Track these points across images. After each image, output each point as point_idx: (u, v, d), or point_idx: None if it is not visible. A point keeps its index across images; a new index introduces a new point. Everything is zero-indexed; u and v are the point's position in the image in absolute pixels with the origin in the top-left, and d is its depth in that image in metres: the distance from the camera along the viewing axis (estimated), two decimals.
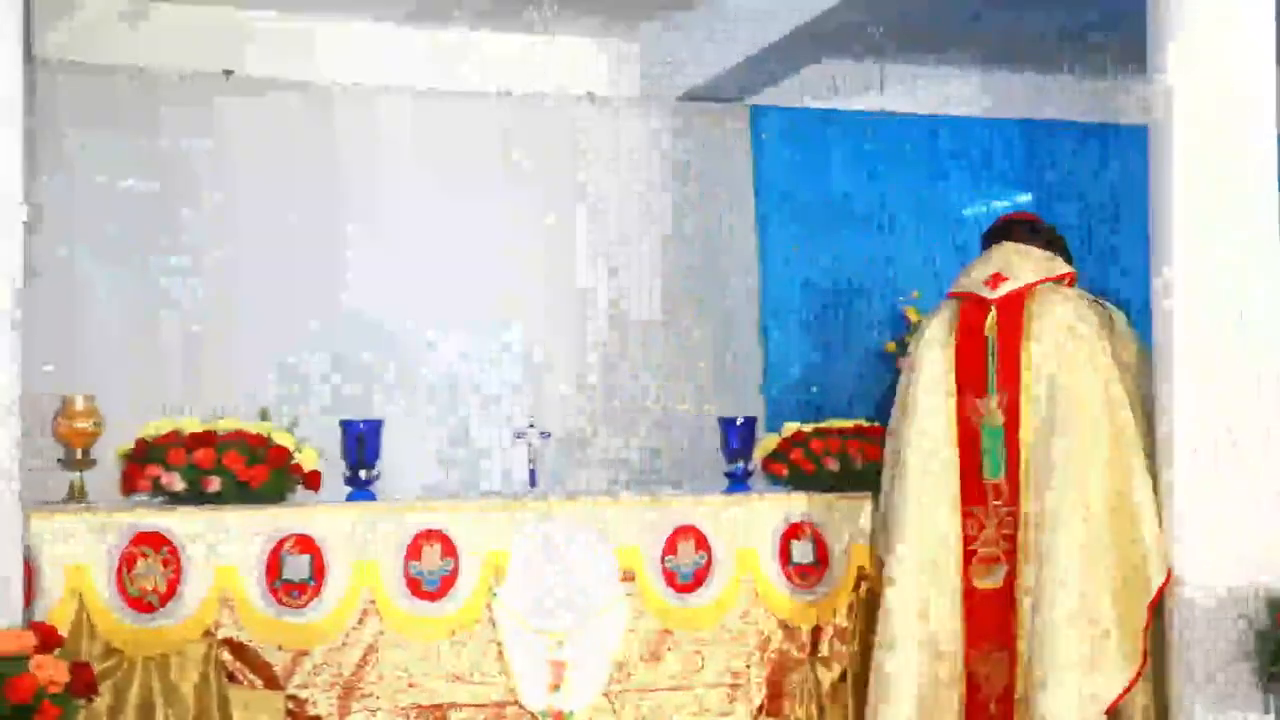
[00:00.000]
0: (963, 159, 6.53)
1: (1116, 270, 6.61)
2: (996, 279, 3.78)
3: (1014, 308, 3.70)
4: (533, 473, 4.37)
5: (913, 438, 3.70)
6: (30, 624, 3.02)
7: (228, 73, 5.56)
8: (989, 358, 3.66)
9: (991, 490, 3.65)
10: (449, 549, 3.63)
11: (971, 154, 6.55)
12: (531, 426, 4.35)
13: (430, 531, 3.62)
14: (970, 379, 3.70)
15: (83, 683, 2.96)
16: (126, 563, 3.39)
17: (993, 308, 3.73)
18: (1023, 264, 3.78)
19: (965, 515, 3.66)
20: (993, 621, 3.60)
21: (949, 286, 4.10)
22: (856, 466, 4.07)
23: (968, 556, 3.65)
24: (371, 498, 3.74)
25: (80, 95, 5.38)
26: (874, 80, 6.22)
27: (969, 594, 3.62)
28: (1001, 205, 6.59)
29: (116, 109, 5.46)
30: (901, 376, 3.93)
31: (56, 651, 2.94)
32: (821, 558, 3.95)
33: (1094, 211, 6.65)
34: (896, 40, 5.74)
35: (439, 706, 3.59)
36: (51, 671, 2.86)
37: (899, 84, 6.31)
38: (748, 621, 3.86)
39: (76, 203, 5.39)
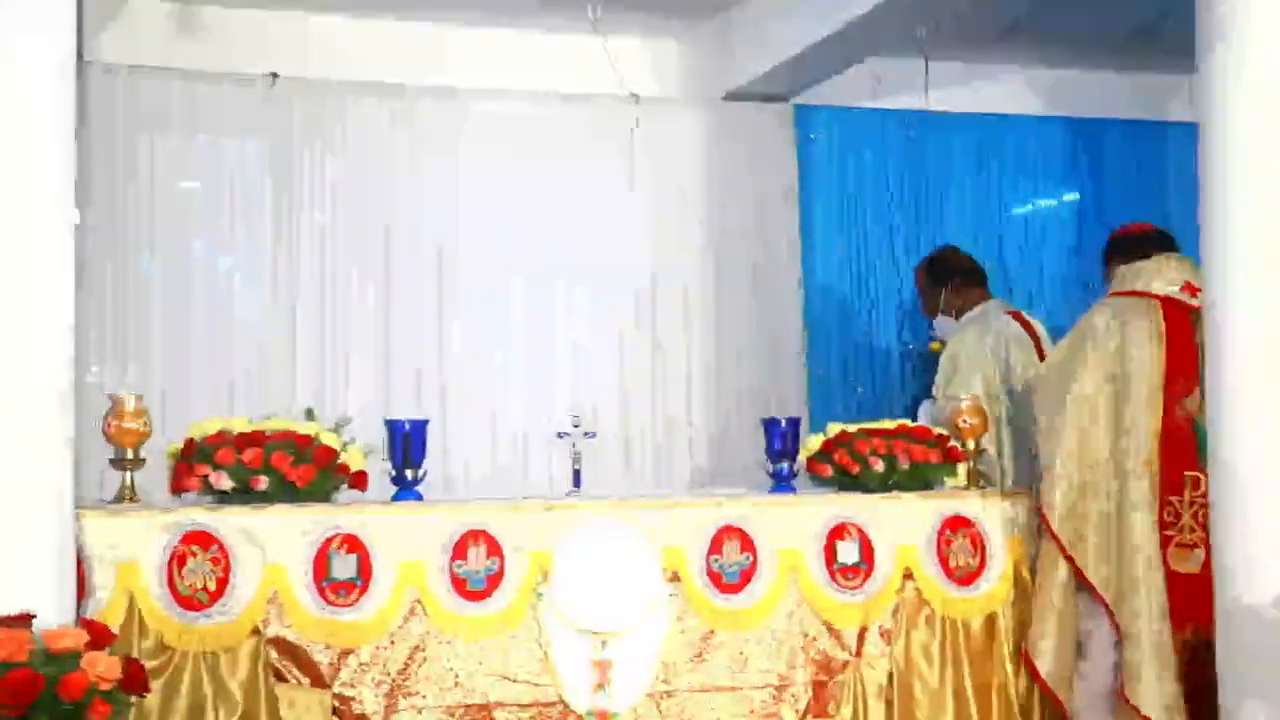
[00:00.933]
0: (1010, 157, 6.50)
1: None
2: (1191, 288, 4.03)
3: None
4: (577, 473, 4.38)
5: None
6: (82, 621, 3.06)
7: (273, 75, 5.61)
8: (1201, 362, 3.81)
9: (1190, 482, 3.92)
10: (494, 549, 3.63)
11: (1019, 152, 6.52)
12: (576, 427, 4.36)
13: (475, 531, 3.62)
14: (1178, 378, 4.00)
15: (134, 680, 3.00)
16: (177, 561, 3.42)
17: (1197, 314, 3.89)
18: (1197, 277, 3.92)
19: (1163, 505, 3.96)
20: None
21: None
22: (902, 467, 4.04)
23: (1165, 542, 3.94)
24: (418, 497, 3.76)
25: (132, 98, 5.45)
26: (919, 79, 6.18)
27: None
28: (1049, 204, 6.55)
29: (168, 111, 5.52)
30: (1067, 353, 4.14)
31: (108, 649, 2.97)
32: (867, 558, 3.92)
33: (1143, 210, 6.58)
34: (942, 39, 5.71)
35: (484, 706, 3.59)
36: (103, 668, 2.89)
37: (945, 83, 6.28)
38: (793, 622, 3.85)
39: (128, 205, 5.46)
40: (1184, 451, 3.97)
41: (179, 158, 5.60)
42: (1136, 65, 6.39)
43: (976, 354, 4.80)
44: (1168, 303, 4.09)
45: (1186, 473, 3.96)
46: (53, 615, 2.97)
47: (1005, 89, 6.47)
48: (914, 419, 4.50)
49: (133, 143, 5.49)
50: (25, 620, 2.88)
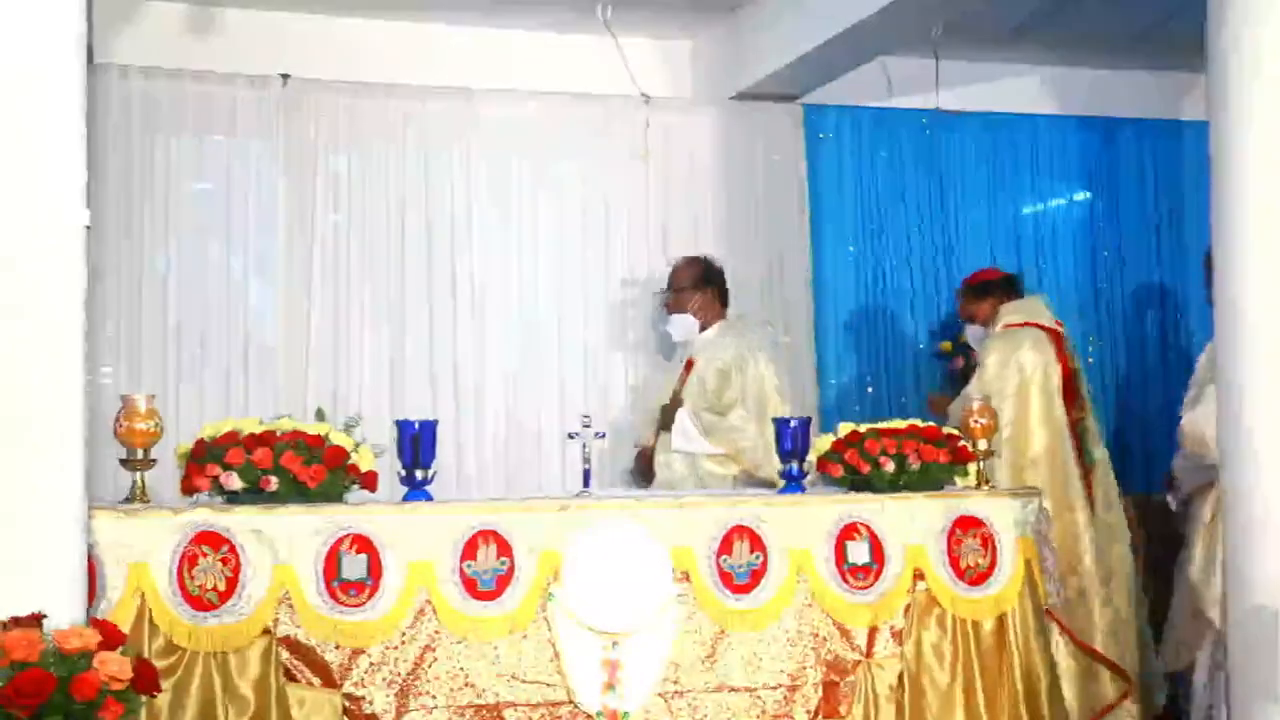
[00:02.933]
0: (1022, 156, 6.48)
1: (1179, 268, 6.55)
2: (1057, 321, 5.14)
3: None
4: (587, 473, 4.37)
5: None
6: (93, 621, 3.07)
7: (284, 77, 5.62)
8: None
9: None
10: (504, 549, 3.64)
11: (1031, 151, 6.49)
12: (587, 427, 4.36)
13: (485, 532, 3.62)
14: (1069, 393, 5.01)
15: (145, 679, 3.00)
16: (187, 561, 3.43)
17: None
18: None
19: None
20: None
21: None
22: (912, 467, 4.03)
23: None
24: (427, 497, 3.76)
25: (145, 100, 5.47)
26: (931, 78, 6.18)
27: None
28: (1060, 203, 6.53)
29: (181, 113, 5.54)
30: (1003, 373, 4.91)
31: (119, 649, 2.98)
32: (877, 558, 3.91)
33: (1157, 208, 6.57)
34: (954, 37, 5.70)
35: (495, 706, 3.60)
36: (115, 668, 2.89)
37: (956, 81, 6.27)
38: (803, 622, 3.84)
39: (142, 206, 5.48)
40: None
41: (192, 159, 5.61)
42: (1149, 63, 6.38)
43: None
44: (1053, 332, 5.04)
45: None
46: (64, 615, 2.98)
47: (1017, 88, 6.46)
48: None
49: (148, 144, 5.50)
50: (37, 620, 2.88)
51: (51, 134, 3.10)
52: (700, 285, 5.21)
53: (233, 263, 5.68)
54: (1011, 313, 5.14)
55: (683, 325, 5.24)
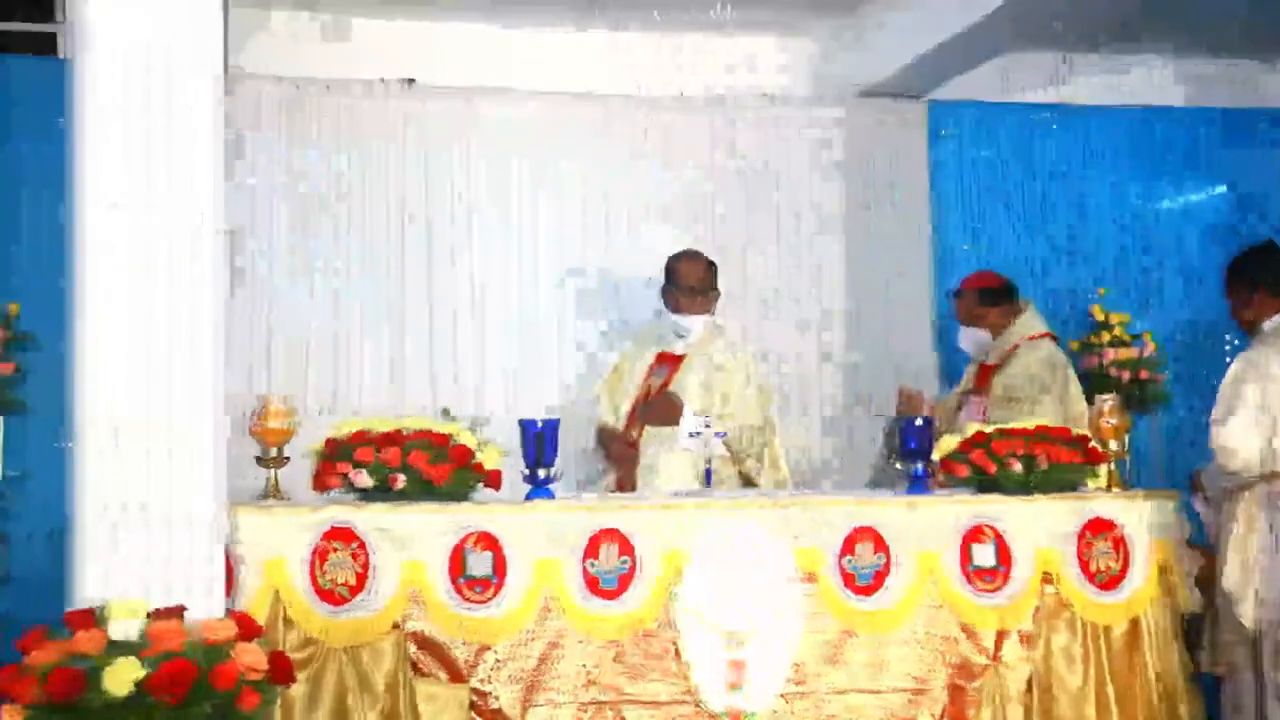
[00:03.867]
0: (1153, 151, 6.32)
1: None
2: None
3: None
4: (708, 472, 4.38)
5: None
6: (230, 614, 3.16)
7: (409, 81, 5.72)
8: None
9: None
10: (626, 548, 3.65)
11: (1162, 145, 6.33)
12: (708, 426, 4.36)
13: (608, 530, 3.65)
14: None
15: (281, 670, 3.08)
16: (319, 556, 3.50)
17: None
18: None
19: None
20: None
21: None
22: (1041, 467, 3.96)
23: None
24: (550, 496, 3.79)
25: (272, 106, 5.60)
26: (1056, 72, 6.07)
27: None
28: (1196, 198, 6.35)
29: (307, 119, 5.66)
30: None
31: (256, 640, 3.06)
32: (1004, 561, 3.85)
33: None
34: (1078, 30, 5.58)
35: (617, 703, 3.62)
36: (252, 659, 2.97)
37: (1083, 76, 6.14)
38: (930, 625, 3.80)
39: (268, 210, 5.62)
40: None
41: (301, 162, 5.72)
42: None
43: None
44: None
45: None
46: (204, 608, 3.07)
47: (1148, 81, 6.30)
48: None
49: (265, 147, 5.63)
50: (179, 612, 2.98)
51: (193, 143, 3.19)
52: (716, 286, 5.02)
53: (352, 266, 5.76)
54: (1034, 321, 5.07)
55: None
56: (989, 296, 5.11)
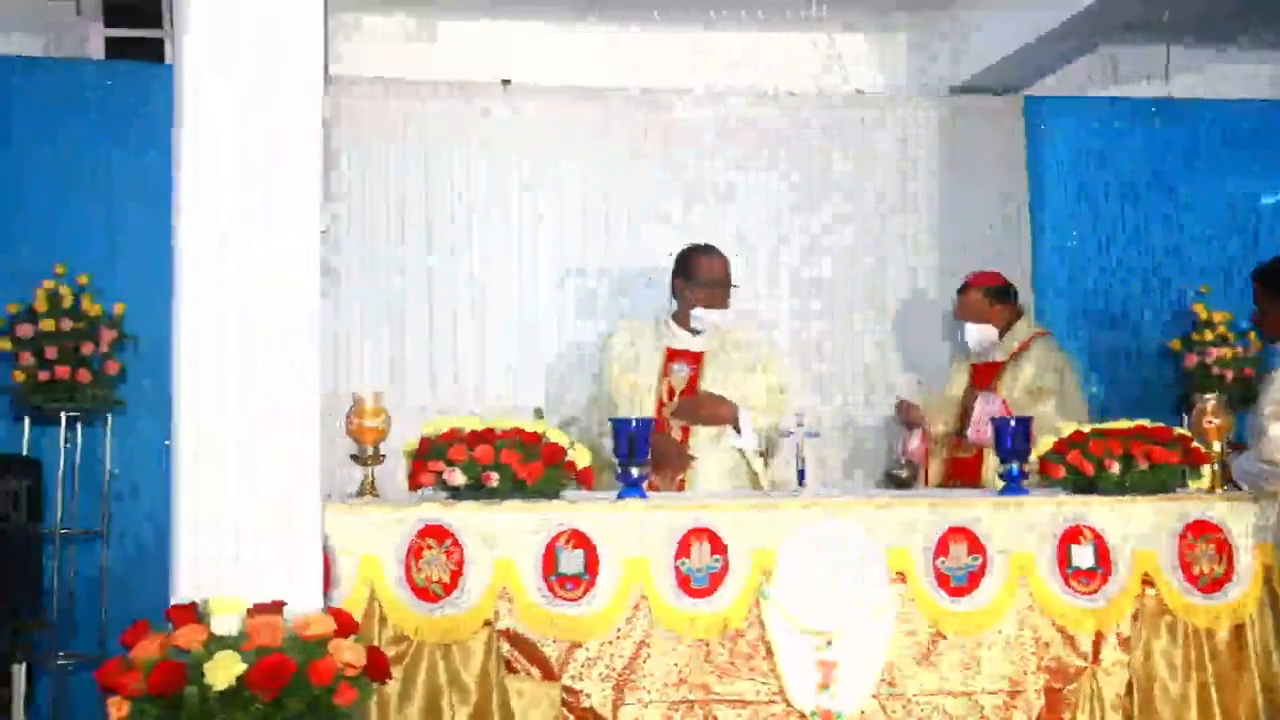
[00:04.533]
0: (1257, 145, 6.15)
1: None
2: None
3: None
4: (801, 472, 4.35)
5: None
6: (328, 610, 3.21)
7: (505, 82, 5.77)
8: None
9: None
10: (718, 546, 3.65)
11: (1268, 139, 6.16)
12: (800, 425, 4.33)
13: (699, 529, 3.65)
14: None
15: (377, 666, 3.12)
16: (414, 554, 3.55)
17: None
18: None
19: None
20: None
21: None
22: (1140, 468, 3.88)
23: None
24: (642, 495, 3.80)
25: (364, 109, 5.68)
26: (1157, 66, 5.95)
27: None
28: None
29: (396, 121, 5.73)
30: None
31: (353, 637, 3.11)
32: (1103, 562, 3.78)
33: None
34: (1181, 23, 5.46)
35: (707, 702, 3.62)
36: (349, 655, 3.01)
37: (1185, 69, 6.01)
38: (1024, 627, 3.74)
39: (359, 211, 5.70)
40: None
41: (404, 166, 5.79)
42: None
43: None
44: None
45: None
46: (302, 604, 3.13)
47: (1252, 74, 6.14)
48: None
49: (365, 152, 5.71)
50: (278, 608, 3.04)
51: (294, 147, 3.25)
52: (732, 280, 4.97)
53: (441, 265, 5.80)
54: (1031, 321, 5.26)
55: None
56: (997, 294, 5.18)
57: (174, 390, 3.20)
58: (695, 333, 4.87)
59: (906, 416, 5.09)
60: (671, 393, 4.83)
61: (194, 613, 3.00)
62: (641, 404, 4.76)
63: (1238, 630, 3.82)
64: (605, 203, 5.85)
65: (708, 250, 4.95)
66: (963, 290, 5.26)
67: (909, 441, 5.00)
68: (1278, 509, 3.91)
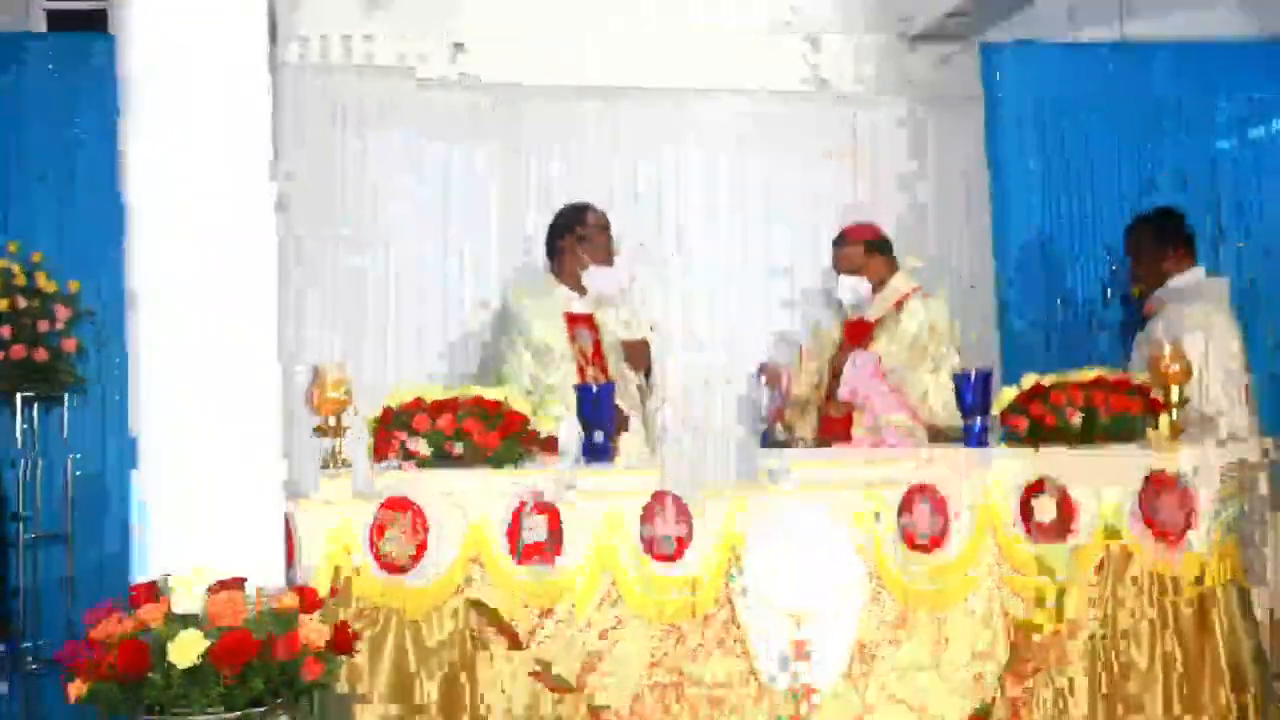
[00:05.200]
0: (1218, 86, 6.12)
1: None
2: None
3: None
4: (765, 434, 4.36)
5: None
6: (292, 587, 3.20)
7: (457, 45, 5.72)
8: None
9: None
10: (682, 513, 3.63)
11: (1228, 80, 6.13)
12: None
13: (661, 494, 3.62)
14: None
15: (342, 640, 3.12)
16: (379, 526, 3.54)
17: None
18: None
19: None
20: None
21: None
22: (1102, 419, 3.90)
23: None
24: (608, 460, 3.80)
25: (311, 84, 5.62)
26: (1114, 8, 5.92)
27: None
28: (1260, 134, 6.16)
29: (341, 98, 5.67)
30: None
31: (317, 612, 3.10)
32: (1066, 515, 3.80)
33: None
34: None
35: (678, 683, 3.62)
36: (313, 630, 3.01)
37: (1144, 10, 5.98)
38: (990, 582, 3.76)
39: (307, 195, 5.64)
40: None
41: (391, 154, 5.73)
42: None
43: None
44: None
45: None
46: (265, 579, 3.11)
47: (1213, 13, 6.10)
48: None
49: (360, 139, 5.65)
50: (239, 584, 3.02)
51: (246, 129, 3.21)
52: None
53: (449, 263, 5.79)
54: (910, 277, 4.91)
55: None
56: (875, 247, 4.91)
57: (131, 366, 3.18)
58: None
59: (770, 379, 4.71)
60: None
61: (155, 591, 2.97)
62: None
63: (1199, 581, 3.84)
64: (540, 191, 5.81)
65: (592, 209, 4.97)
66: (839, 242, 4.97)
67: (770, 403, 4.66)
68: (1238, 460, 3.94)
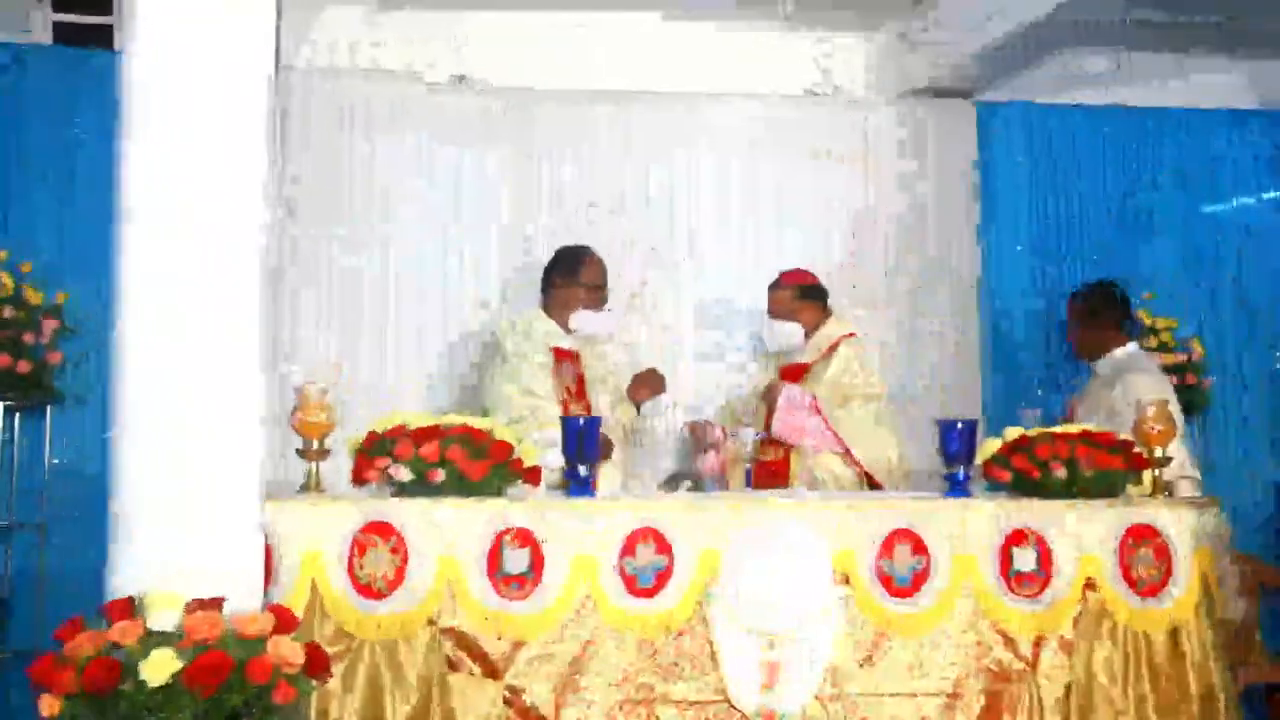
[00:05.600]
0: (1207, 153, 6.21)
1: None
2: None
3: None
4: (749, 472, 4.36)
5: None
6: (268, 607, 3.18)
7: (460, 78, 5.74)
8: None
9: None
10: (663, 546, 3.64)
11: (1218, 148, 6.22)
12: (747, 425, 4.34)
13: (645, 529, 3.64)
14: None
15: (317, 664, 3.09)
16: (357, 550, 3.52)
17: None
18: None
19: None
20: None
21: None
22: (1085, 473, 3.91)
23: None
24: (590, 494, 3.79)
25: (318, 93, 5.63)
26: (1112, 74, 6.00)
27: None
28: (1248, 201, 6.24)
29: (345, 107, 5.67)
30: None
31: (293, 634, 3.08)
32: (1045, 566, 3.80)
33: None
34: (1138, 30, 5.51)
35: (651, 701, 3.61)
36: (288, 653, 2.99)
37: (1141, 77, 6.07)
38: (966, 630, 3.76)
39: (314, 197, 5.65)
40: None
41: (401, 158, 5.74)
42: None
43: None
44: None
45: None
46: (242, 600, 3.10)
47: (1207, 83, 6.19)
48: None
49: (369, 142, 5.66)
50: (216, 604, 3.01)
51: (241, 136, 3.23)
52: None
53: (449, 263, 5.79)
54: (844, 322, 5.06)
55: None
56: (808, 292, 5.02)
57: (115, 380, 3.17)
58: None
59: (701, 437, 4.69)
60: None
61: (131, 608, 2.96)
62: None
63: (1175, 635, 3.85)
64: (551, 195, 5.82)
65: (588, 252, 5.02)
66: (773, 286, 5.09)
67: (704, 462, 4.53)
68: (1215, 514, 3.96)
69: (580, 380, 4.88)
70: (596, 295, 4.94)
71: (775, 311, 5.04)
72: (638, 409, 5.00)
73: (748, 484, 4.35)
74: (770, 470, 4.68)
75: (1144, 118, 6.14)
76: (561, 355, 4.86)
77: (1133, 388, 4.73)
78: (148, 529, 3.10)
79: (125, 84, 3.19)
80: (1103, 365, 5.05)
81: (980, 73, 5.73)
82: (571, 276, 4.92)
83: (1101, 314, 5.09)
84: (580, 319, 4.89)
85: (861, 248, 5.98)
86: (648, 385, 4.99)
